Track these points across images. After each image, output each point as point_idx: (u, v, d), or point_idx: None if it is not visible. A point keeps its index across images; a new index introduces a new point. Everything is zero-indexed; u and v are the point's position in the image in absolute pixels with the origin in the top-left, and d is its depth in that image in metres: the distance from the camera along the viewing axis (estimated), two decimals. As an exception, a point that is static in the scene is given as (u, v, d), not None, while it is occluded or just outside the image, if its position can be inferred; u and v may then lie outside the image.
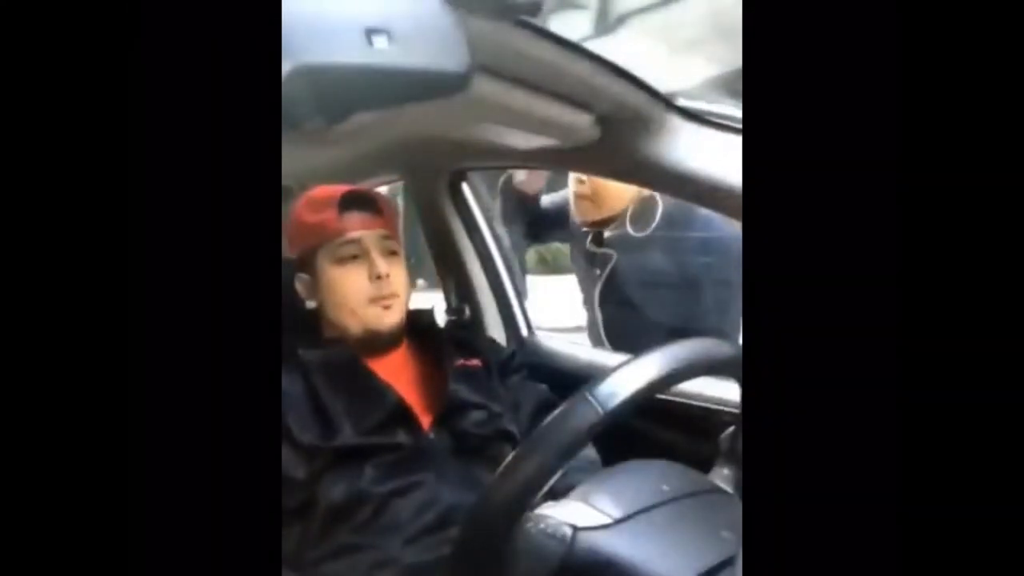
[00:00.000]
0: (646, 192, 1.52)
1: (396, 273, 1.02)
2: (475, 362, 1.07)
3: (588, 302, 1.67)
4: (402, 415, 0.95)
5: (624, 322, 1.59)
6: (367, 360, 1.01)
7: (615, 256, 1.58)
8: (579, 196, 1.57)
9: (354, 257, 1.01)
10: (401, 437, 0.93)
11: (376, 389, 0.96)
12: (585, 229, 1.63)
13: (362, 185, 1.43)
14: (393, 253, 1.03)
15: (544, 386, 1.13)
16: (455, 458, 0.95)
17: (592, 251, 1.61)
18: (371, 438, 0.92)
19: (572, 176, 1.58)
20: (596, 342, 1.66)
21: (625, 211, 1.54)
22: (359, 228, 1.02)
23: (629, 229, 1.54)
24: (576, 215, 1.63)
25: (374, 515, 0.88)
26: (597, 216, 1.57)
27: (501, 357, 1.13)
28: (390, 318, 1.01)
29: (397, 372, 1.03)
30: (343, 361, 0.99)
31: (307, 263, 1.03)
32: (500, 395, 1.05)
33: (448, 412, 0.98)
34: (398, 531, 0.87)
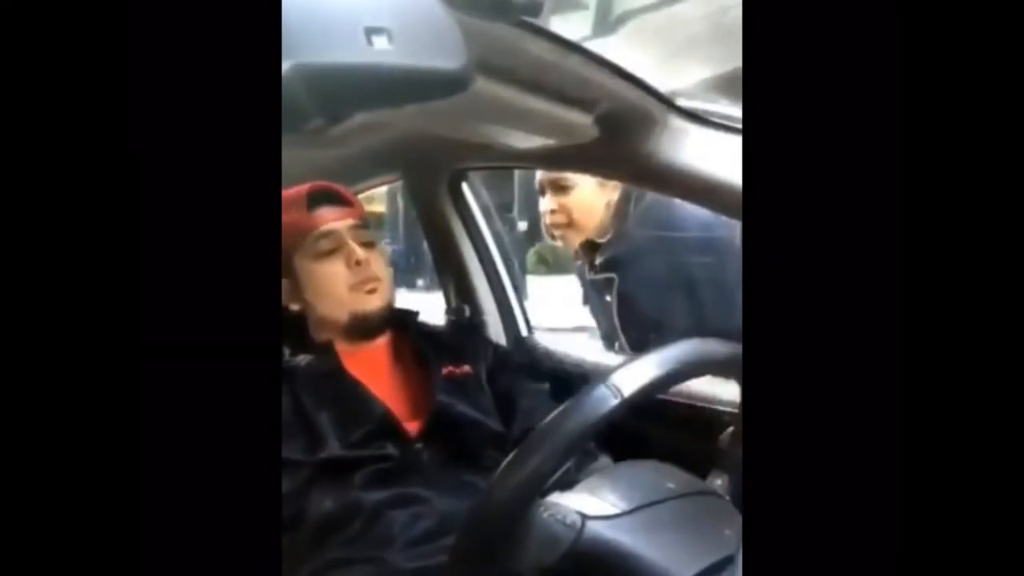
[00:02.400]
0: (614, 197, 1.45)
1: (374, 259, 1.03)
2: (464, 369, 1.06)
3: (608, 336, 1.54)
4: (388, 426, 0.94)
5: (648, 341, 1.45)
6: (354, 354, 1.01)
7: (616, 278, 1.49)
8: (555, 225, 1.48)
9: (331, 251, 1.02)
10: (389, 449, 0.92)
11: (361, 399, 0.96)
12: (579, 262, 1.56)
13: (362, 185, 1.43)
14: (368, 243, 1.05)
15: (545, 385, 1.11)
16: (446, 467, 0.94)
17: (593, 279, 1.52)
18: (358, 451, 0.91)
19: (543, 208, 1.49)
20: None
21: (602, 223, 1.46)
22: (332, 221, 1.03)
23: (608, 235, 1.46)
24: (561, 244, 1.55)
25: (366, 527, 0.87)
26: (583, 238, 1.49)
27: (492, 359, 1.11)
28: (375, 301, 1.02)
29: (381, 371, 1.03)
30: (328, 370, 0.98)
31: (285, 268, 1.04)
32: (490, 401, 1.04)
33: (435, 427, 0.97)
34: (391, 543, 0.86)
